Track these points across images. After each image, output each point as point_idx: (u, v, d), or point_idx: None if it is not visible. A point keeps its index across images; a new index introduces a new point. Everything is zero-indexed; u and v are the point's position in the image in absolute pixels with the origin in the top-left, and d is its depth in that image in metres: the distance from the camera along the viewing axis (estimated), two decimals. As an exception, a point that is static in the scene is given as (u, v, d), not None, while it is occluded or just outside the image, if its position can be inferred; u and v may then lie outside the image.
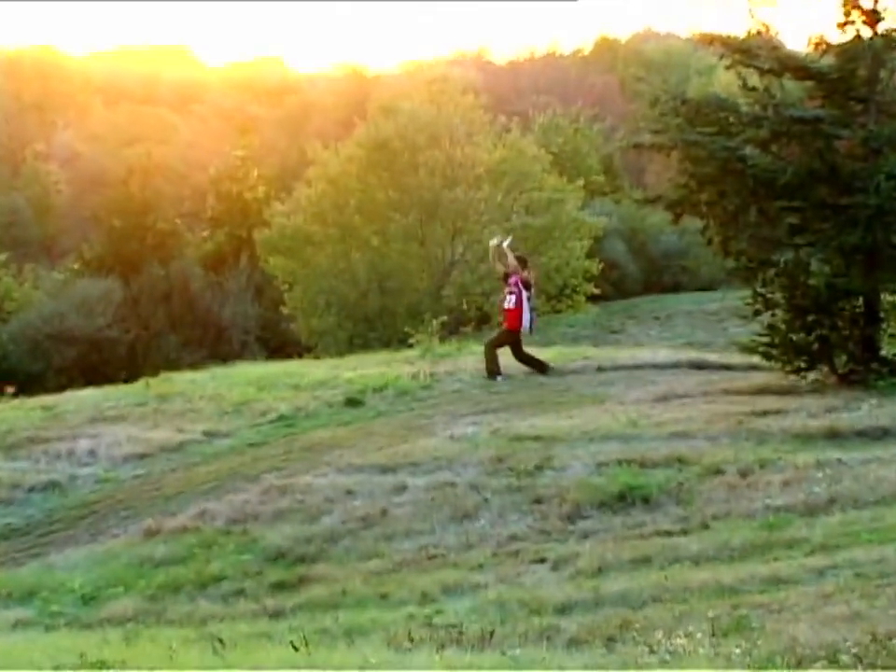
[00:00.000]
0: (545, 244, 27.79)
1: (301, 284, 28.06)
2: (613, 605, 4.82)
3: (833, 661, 3.50)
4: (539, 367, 11.69)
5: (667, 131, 10.31)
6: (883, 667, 3.44)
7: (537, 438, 8.13)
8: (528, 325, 11.55)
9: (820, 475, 6.50)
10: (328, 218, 27.64)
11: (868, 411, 8.17)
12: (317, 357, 21.83)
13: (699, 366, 12.10)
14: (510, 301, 11.63)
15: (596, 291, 28.79)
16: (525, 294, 11.54)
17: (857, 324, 9.89)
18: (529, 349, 12.09)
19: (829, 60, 10.03)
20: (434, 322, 14.44)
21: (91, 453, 9.54)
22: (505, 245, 12.08)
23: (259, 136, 43.01)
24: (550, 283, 27.48)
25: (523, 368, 11.75)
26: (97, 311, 29.20)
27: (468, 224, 27.72)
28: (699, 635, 4.00)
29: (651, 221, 39.90)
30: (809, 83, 10.27)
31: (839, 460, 6.77)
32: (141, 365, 27.84)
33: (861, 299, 9.95)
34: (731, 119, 10.19)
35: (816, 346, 9.85)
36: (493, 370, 11.42)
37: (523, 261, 12.00)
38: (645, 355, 13.22)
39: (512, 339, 11.60)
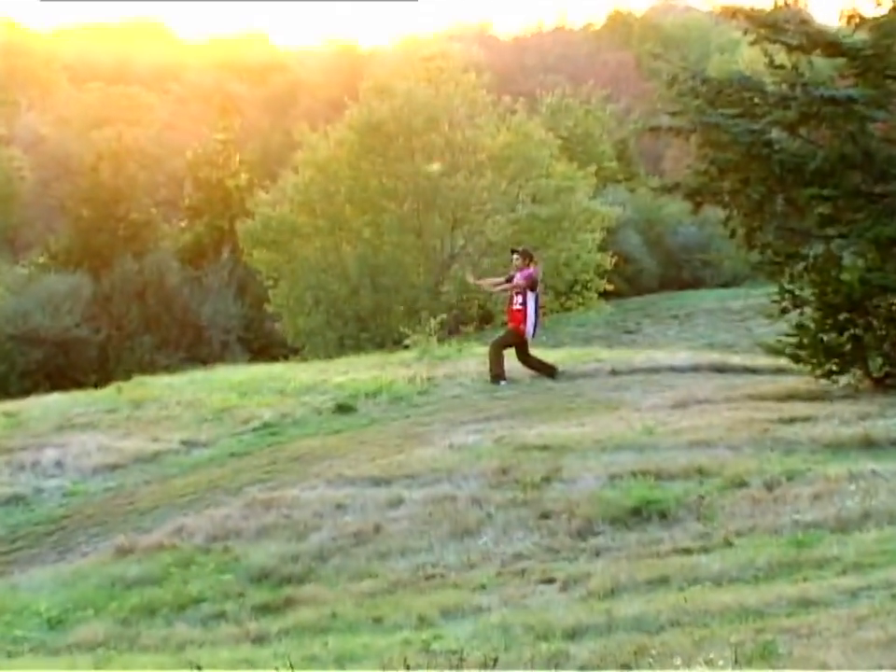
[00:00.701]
0: (553, 236, 27.83)
1: (287, 279, 28.09)
2: (627, 629, 4.83)
3: (867, 690, 3.50)
4: (546, 371, 11.70)
5: (686, 112, 10.32)
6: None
7: (544, 447, 8.14)
8: (532, 329, 11.57)
9: (853, 488, 6.51)
10: (316, 208, 27.68)
11: (905, 418, 8.17)
12: (305, 360, 21.86)
13: (721, 369, 12.12)
14: (517, 302, 11.66)
15: (609, 288, 28.84)
16: (531, 295, 11.55)
17: (893, 323, 9.90)
18: (536, 351, 12.11)
19: (862, 35, 10.04)
20: (432, 321, 14.47)
21: (58, 464, 9.55)
22: (470, 280, 12.42)
23: (242, 118, 43.05)
24: (558, 278, 27.52)
25: (528, 371, 11.76)
26: (64, 309, 29.20)
27: (469, 214, 27.76)
28: (721, 662, 4.00)
29: (668, 211, 39.99)
30: (841, 60, 10.27)
31: (874, 472, 6.77)
32: (112, 368, 27.88)
33: (897, 295, 9.96)
34: (756, 100, 10.20)
35: (848, 347, 9.85)
36: (497, 373, 11.43)
37: (528, 256, 11.98)
38: (662, 357, 13.23)
39: (520, 340, 11.61)
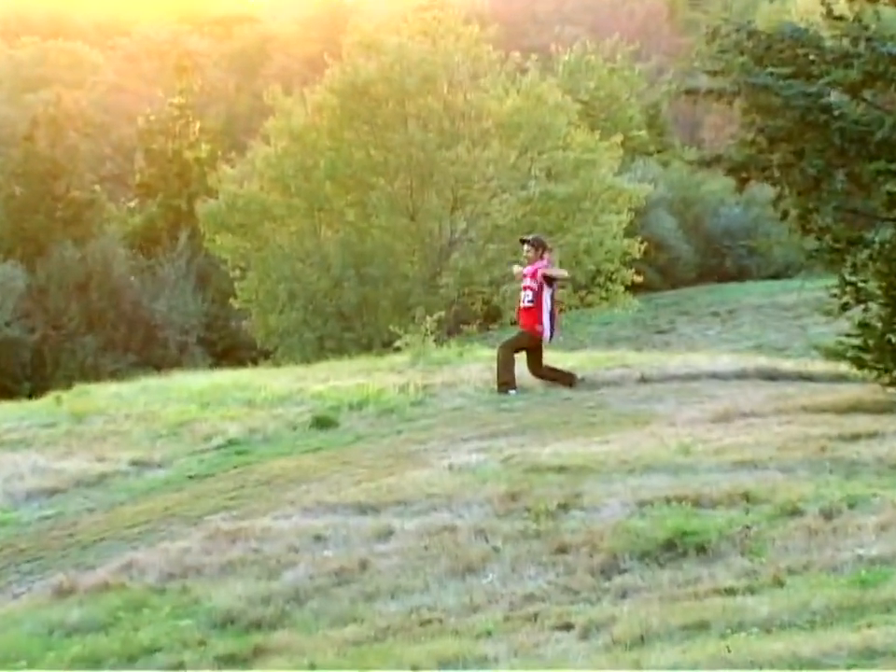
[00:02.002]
0: (572, 218, 27.89)
1: (257, 269, 28.14)
2: (659, 684, 4.83)
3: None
4: (564, 380, 11.71)
5: (729, 72, 10.33)
6: None
7: (561, 469, 8.14)
8: (549, 333, 11.57)
9: (927, 517, 6.52)
10: (291, 185, 27.72)
11: None
12: (277, 365, 21.89)
13: (771, 376, 12.13)
14: (526, 298, 11.65)
15: (638, 279, 28.89)
16: (546, 292, 11.55)
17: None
18: (550, 355, 12.12)
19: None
20: (428, 319, 14.49)
21: (-15, 488, 9.54)
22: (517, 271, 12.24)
23: (203, 79, 43.15)
24: (578, 269, 27.54)
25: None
26: (-7, 304, 29.26)
27: (471, 192, 27.81)
28: (770, 723, 4.00)
29: (708, 189, 40.08)
30: (914, 10, 10.31)
31: (951, 498, 6.79)
32: (49, 374, 27.93)
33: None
34: (811, 57, 10.21)
35: (922, 351, 9.87)
36: (506, 380, 11.44)
37: (541, 245, 11.98)
38: (701, 361, 13.25)
39: (535, 344, 11.61)
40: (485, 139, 27.84)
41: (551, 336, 11.65)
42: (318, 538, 7.41)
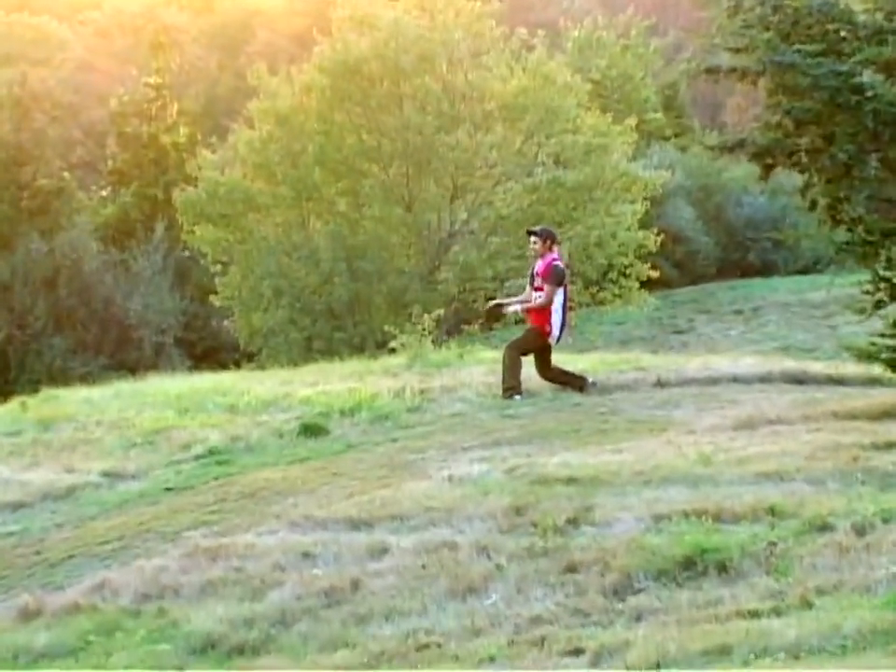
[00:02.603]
0: (582, 208, 27.91)
1: (240, 264, 28.16)
2: (677, 714, 4.84)
3: None
4: (574, 383, 11.72)
5: (753, 49, 10.33)
6: None
7: (570, 480, 8.15)
8: (558, 331, 11.58)
9: (968, 533, 6.52)
10: (277, 172, 27.74)
11: None
12: (262, 368, 21.89)
13: (798, 379, 12.14)
14: (535, 297, 11.67)
15: (654, 275, 28.91)
16: (558, 295, 11.54)
17: None
18: (559, 357, 12.13)
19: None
20: (426, 318, 14.50)
21: (-56, 502, 9.55)
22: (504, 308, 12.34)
23: (181, 56, 43.19)
24: (588, 263, 27.60)
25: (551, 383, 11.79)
26: (-48, 302, 29.28)
27: (473, 180, 27.83)
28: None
29: (730, 176, 40.11)
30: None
31: None
32: (14, 378, 27.94)
33: None
34: (842, 33, 10.22)
35: (962, 352, 9.88)
36: (512, 385, 11.44)
37: (550, 237, 11.98)
38: (722, 364, 13.26)
39: (543, 344, 11.61)
40: (488, 122, 27.86)
41: (559, 338, 11.65)
42: (306, 555, 7.41)
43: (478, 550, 7.16)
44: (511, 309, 12.65)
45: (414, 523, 7.75)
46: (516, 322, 26.77)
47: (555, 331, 11.57)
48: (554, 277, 11.58)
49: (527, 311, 11.92)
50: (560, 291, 11.57)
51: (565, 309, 11.70)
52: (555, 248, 11.91)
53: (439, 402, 11.63)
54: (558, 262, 11.72)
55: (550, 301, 11.50)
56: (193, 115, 38.70)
